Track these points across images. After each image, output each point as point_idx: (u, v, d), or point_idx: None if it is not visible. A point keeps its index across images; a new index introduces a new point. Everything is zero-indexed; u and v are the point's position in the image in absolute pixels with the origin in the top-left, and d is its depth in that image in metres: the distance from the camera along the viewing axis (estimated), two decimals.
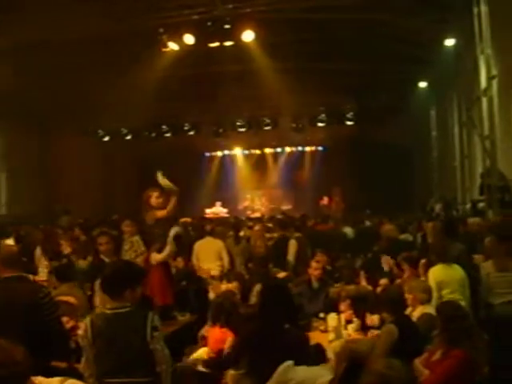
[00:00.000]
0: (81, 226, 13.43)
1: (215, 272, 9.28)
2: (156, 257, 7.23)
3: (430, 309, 5.57)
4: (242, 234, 13.16)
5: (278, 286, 5.22)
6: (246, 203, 28.30)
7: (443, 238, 7.92)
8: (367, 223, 14.40)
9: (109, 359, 3.86)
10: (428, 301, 5.75)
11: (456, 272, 6.44)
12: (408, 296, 5.69)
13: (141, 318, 3.94)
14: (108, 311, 3.97)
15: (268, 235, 12.64)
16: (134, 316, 3.97)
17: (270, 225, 14.18)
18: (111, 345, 3.86)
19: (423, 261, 6.94)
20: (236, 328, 5.26)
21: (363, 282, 7.57)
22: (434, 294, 5.97)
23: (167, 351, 3.99)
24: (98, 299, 5.92)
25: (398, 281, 7.20)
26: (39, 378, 2.28)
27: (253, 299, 5.82)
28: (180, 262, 9.31)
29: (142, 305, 4.25)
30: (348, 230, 13.18)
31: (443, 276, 6.32)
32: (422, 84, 19.81)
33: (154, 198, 7.67)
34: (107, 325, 3.91)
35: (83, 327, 3.90)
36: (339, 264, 8.99)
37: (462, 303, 5.75)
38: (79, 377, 4.54)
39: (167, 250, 7.24)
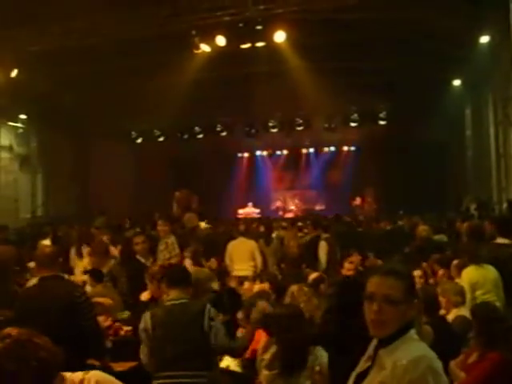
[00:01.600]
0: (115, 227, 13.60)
1: (248, 272, 9.30)
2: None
3: (464, 311, 5.50)
4: (274, 234, 13.15)
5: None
6: (279, 204, 28.30)
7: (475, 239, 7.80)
8: (399, 223, 14.21)
9: (167, 350, 4.02)
10: (462, 303, 5.68)
11: (489, 272, 6.29)
12: (442, 299, 5.62)
13: (199, 309, 4.22)
14: (168, 303, 4.20)
15: (300, 234, 12.66)
16: (193, 306, 4.26)
17: (301, 224, 14.16)
18: (170, 334, 4.04)
19: (455, 262, 6.82)
20: (270, 328, 5.25)
21: None
22: (468, 296, 5.90)
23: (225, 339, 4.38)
24: None
25: (431, 281, 7.13)
26: (64, 373, 2.38)
27: (287, 299, 5.81)
28: (213, 263, 9.36)
29: None
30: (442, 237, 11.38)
31: (477, 277, 6.20)
32: (456, 82, 19.55)
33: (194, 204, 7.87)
34: (167, 315, 4.10)
35: (143, 321, 4.03)
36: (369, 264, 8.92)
37: (497, 304, 5.68)
38: (114, 375, 4.62)
39: None
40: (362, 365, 2.50)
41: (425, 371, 2.23)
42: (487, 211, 14.29)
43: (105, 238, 9.63)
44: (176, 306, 4.17)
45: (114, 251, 9.12)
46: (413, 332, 2.38)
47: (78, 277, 8.09)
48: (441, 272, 7.06)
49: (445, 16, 13.79)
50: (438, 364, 2.32)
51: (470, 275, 6.23)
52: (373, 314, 2.35)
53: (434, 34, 14.90)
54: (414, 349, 2.32)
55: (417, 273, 7.14)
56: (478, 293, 6.00)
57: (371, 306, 2.36)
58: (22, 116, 19.49)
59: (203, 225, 10.71)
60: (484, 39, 14.68)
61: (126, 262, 8.19)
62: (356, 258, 7.84)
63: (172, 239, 9.05)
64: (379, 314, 2.34)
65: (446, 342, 4.83)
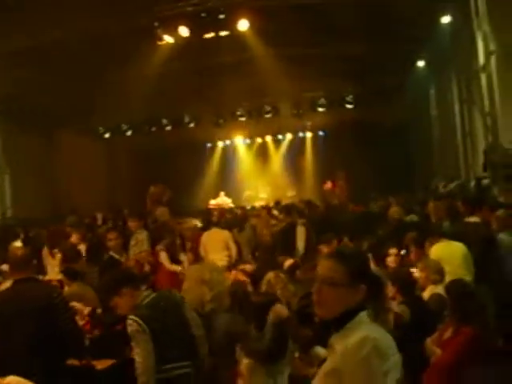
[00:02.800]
0: (87, 225, 13.50)
1: (223, 262, 9.32)
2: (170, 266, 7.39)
3: (440, 289, 5.62)
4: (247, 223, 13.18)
5: None
6: (250, 192, 28.32)
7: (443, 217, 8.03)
8: (373, 206, 14.35)
9: (167, 344, 4.02)
10: (440, 281, 5.81)
11: (457, 248, 6.66)
12: (421, 274, 5.76)
13: (178, 300, 4.34)
14: (147, 300, 4.13)
15: (273, 222, 12.71)
16: (173, 298, 4.34)
17: (276, 212, 14.20)
18: (166, 328, 4.04)
19: (429, 241, 7.01)
20: (248, 317, 5.29)
21: (372, 265, 7.59)
22: None
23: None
24: None
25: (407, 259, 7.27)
26: None
27: (263, 287, 5.85)
28: (189, 255, 9.37)
29: None
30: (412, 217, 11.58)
31: (443, 253, 6.50)
32: (420, 63, 19.72)
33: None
34: (154, 311, 4.07)
35: (134, 324, 3.94)
36: None
37: (467, 278, 5.98)
38: (95, 373, 4.64)
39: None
40: (325, 353, 2.60)
41: (369, 352, 2.24)
42: (456, 189, 14.53)
43: (74, 238, 9.54)
44: (155, 299, 4.16)
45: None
46: (363, 315, 2.37)
47: (52, 276, 8.03)
48: (414, 252, 7.18)
49: None
50: (385, 344, 2.32)
51: (437, 251, 6.59)
52: (314, 294, 2.42)
53: (396, 16, 15.00)
54: (361, 331, 2.31)
55: (392, 251, 7.33)
56: (447, 268, 6.15)
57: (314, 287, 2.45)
58: None
59: (196, 223, 10.69)
60: (445, 19, 14.83)
61: (95, 258, 8.16)
62: (333, 242, 7.95)
63: (143, 235, 9.06)
64: (318, 294, 2.40)
65: (423, 320, 4.93)
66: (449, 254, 6.55)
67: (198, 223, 11.09)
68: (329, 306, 2.37)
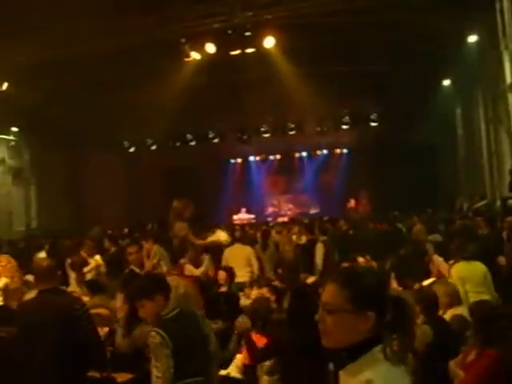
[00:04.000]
0: (110, 236, 13.60)
1: (245, 278, 9.30)
2: (193, 271, 7.38)
3: (460, 310, 5.57)
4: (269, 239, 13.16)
5: (305, 293, 5.14)
6: (273, 208, 28.32)
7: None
8: (399, 225, 14.21)
9: (189, 359, 3.98)
10: (457, 304, 5.76)
11: (477, 267, 6.80)
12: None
13: (197, 316, 4.33)
14: (173, 313, 4.06)
15: (295, 238, 12.67)
16: (193, 315, 4.31)
17: (296, 229, 14.16)
18: (189, 344, 4.00)
19: (450, 262, 7.02)
20: (271, 334, 5.27)
21: (394, 285, 7.52)
22: (460, 289, 6.19)
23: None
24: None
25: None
26: None
27: (285, 304, 5.84)
28: (211, 271, 9.36)
29: None
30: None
31: (464, 272, 6.65)
32: (446, 82, 19.67)
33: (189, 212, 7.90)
34: (178, 326, 4.00)
35: (157, 337, 3.87)
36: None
37: (487, 297, 6.21)
38: None
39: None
40: None
41: None
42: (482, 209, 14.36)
43: (84, 251, 9.73)
44: (179, 314, 4.11)
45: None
46: (376, 350, 2.05)
47: (74, 288, 8.09)
48: (435, 272, 7.19)
49: (432, 17, 13.88)
50: None
51: (457, 271, 6.73)
52: (318, 322, 2.16)
53: (423, 35, 15.00)
54: (369, 371, 2.00)
55: None
56: (468, 287, 6.37)
57: None
58: (14, 129, 19.49)
59: (224, 236, 10.68)
60: (472, 39, 14.79)
61: (116, 271, 8.20)
62: (362, 260, 7.94)
63: (155, 248, 9.15)
64: (321, 322, 2.14)
65: (446, 341, 4.86)
66: (469, 273, 6.69)
67: (224, 237, 11.01)
68: (333, 335, 2.10)
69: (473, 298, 6.33)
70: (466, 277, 6.56)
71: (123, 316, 5.28)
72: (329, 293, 2.14)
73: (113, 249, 11.07)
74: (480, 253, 7.32)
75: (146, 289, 4.12)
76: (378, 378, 1.98)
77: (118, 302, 5.80)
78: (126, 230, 17.13)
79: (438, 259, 7.86)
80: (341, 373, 2.14)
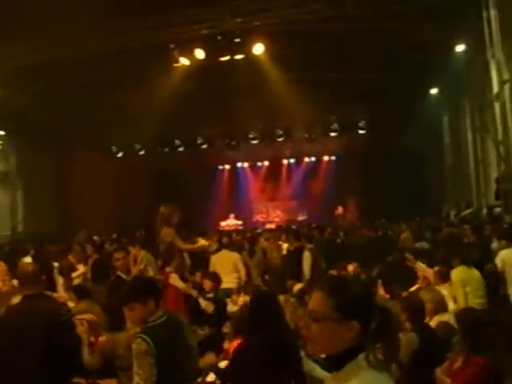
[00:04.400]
0: (93, 243, 13.54)
1: (232, 285, 9.27)
2: (177, 282, 7.35)
3: (446, 317, 5.60)
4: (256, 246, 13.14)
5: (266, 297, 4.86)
6: (261, 215, 28.32)
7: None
8: (388, 232, 14.26)
9: (173, 367, 3.89)
10: (442, 311, 5.79)
11: (474, 272, 7.20)
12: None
13: (181, 323, 4.24)
14: (159, 320, 3.95)
15: (282, 244, 12.66)
16: (175, 321, 4.18)
17: (283, 236, 14.16)
18: (173, 351, 3.90)
19: (436, 269, 7.07)
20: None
21: (381, 292, 7.53)
22: (460, 292, 6.76)
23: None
24: None
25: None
26: None
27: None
28: (198, 277, 9.32)
29: None
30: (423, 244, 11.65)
31: (463, 275, 7.01)
32: (434, 91, 19.79)
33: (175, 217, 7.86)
34: (162, 333, 3.89)
35: (142, 343, 3.75)
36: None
37: (483, 300, 6.72)
38: None
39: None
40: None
41: None
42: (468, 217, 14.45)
43: (72, 256, 9.68)
44: (166, 321, 4.01)
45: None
46: (361, 358, 2.07)
47: (62, 293, 8.02)
48: (422, 279, 7.26)
49: (420, 26, 13.98)
50: None
51: (457, 274, 7.03)
52: (304, 329, 2.26)
53: (411, 44, 15.09)
54: (355, 380, 2.03)
55: None
56: (468, 288, 6.80)
57: None
58: (1, 132, 19.35)
59: (203, 242, 10.62)
60: (459, 48, 14.90)
61: (102, 277, 8.14)
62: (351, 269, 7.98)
63: (141, 253, 9.12)
64: (307, 330, 2.17)
65: (432, 348, 4.87)
66: (469, 276, 7.06)
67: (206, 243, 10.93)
68: (318, 342, 2.12)
69: (472, 300, 6.81)
70: (466, 279, 6.94)
71: (86, 333, 5.13)
72: (315, 300, 2.14)
73: (95, 256, 10.92)
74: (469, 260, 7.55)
75: (139, 292, 4.00)
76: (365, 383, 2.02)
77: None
78: (115, 236, 17.03)
79: (420, 266, 7.93)
80: (327, 381, 2.16)
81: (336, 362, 2.11)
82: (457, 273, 7.06)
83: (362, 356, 2.06)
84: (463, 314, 4.92)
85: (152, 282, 4.45)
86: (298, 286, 7.55)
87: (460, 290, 6.79)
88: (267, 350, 4.15)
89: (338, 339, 2.08)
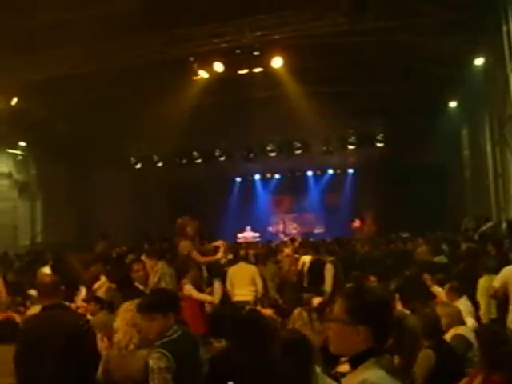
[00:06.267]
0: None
1: (249, 297, 9.27)
2: (192, 292, 7.36)
3: (461, 330, 5.63)
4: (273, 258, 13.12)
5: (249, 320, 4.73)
6: (278, 227, 28.29)
7: None
8: (408, 246, 14.16)
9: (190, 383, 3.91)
10: (459, 323, 5.76)
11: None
12: None
13: (196, 338, 4.26)
14: (176, 334, 3.93)
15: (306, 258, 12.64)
16: (191, 336, 4.19)
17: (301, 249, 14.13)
18: (189, 369, 3.89)
19: (448, 285, 7.05)
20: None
21: (399, 306, 7.48)
22: (484, 299, 7.14)
23: None
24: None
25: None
26: None
27: (290, 324, 5.81)
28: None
29: None
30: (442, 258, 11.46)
31: (489, 284, 7.25)
32: (453, 104, 19.68)
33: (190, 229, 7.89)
34: (181, 348, 3.87)
35: (162, 360, 3.69)
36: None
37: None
38: None
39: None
40: None
41: None
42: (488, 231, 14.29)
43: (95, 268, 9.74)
44: (182, 335, 3.99)
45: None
46: (372, 360, 2.22)
47: (79, 303, 8.09)
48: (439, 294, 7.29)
49: (439, 39, 13.94)
50: None
51: (484, 283, 7.35)
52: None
53: (430, 57, 15.06)
54: (363, 374, 2.19)
55: None
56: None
57: None
58: (22, 143, 19.61)
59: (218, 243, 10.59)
60: (479, 61, 14.81)
61: (123, 288, 8.17)
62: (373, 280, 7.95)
63: (159, 265, 9.12)
64: (328, 330, 2.41)
65: (448, 364, 4.82)
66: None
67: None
68: (333, 343, 2.33)
69: (494, 308, 7.17)
70: (490, 288, 7.15)
71: (106, 350, 5.00)
72: (336, 304, 2.35)
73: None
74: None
75: (162, 303, 3.99)
76: (373, 377, 2.17)
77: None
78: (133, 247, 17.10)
79: (436, 289, 7.86)
80: (342, 381, 2.38)
81: (352, 364, 2.29)
82: (483, 282, 7.36)
83: (373, 359, 2.22)
84: (482, 331, 4.88)
85: (175, 297, 4.45)
86: (317, 300, 7.52)
87: (484, 298, 7.12)
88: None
89: (349, 341, 2.25)
